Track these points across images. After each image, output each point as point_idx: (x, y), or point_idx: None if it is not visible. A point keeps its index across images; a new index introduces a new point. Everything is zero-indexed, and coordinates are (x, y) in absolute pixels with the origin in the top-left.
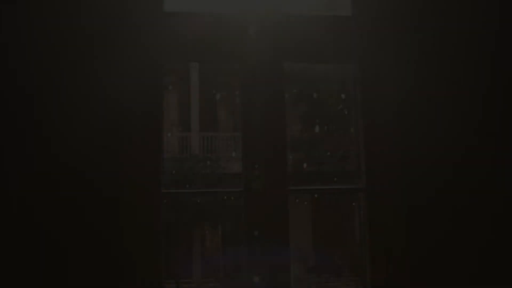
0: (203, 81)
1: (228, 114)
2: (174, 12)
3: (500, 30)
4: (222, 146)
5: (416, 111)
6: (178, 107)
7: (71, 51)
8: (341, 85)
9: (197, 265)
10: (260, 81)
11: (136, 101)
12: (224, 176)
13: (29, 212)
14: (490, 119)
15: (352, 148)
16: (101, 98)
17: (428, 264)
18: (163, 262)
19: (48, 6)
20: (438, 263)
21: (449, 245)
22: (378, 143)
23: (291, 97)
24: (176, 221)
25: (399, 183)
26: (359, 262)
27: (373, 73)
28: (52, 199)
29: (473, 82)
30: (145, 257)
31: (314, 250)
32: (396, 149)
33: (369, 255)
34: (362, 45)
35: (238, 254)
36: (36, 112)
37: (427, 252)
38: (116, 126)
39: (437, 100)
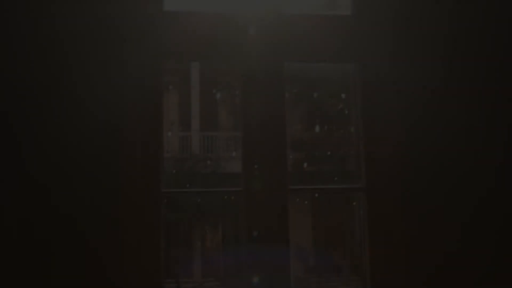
0: (204, 81)
1: (228, 113)
2: (174, 11)
3: (501, 30)
4: (223, 145)
5: (416, 110)
6: (179, 107)
7: (70, 51)
8: (342, 84)
9: (197, 264)
10: (260, 80)
11: (135, 101)
12: (225, 176)
13: (28, 212)
14: (493, 120)
15: (352, 147)
16: (101, 97)
17: (428, 263)
18: (163, 261)
19: (46, 5)
20: (437, 262)
21: (449, 245)
22: (378, 143)
23: (292, 97)
24: (177, 221)
25: (399, 183)
26: (359, 262)
27: (373, 72)
28: (52, 199)
29: (475, 82)
30: (145, 256)
31: (315, 249)
32: (396, 149)
33: (369, 255)
34: (363, 44)
35: (238, 253)
36: (35, 112)
37: (427, 251)
38: (116, 126)
39: (437, 99)
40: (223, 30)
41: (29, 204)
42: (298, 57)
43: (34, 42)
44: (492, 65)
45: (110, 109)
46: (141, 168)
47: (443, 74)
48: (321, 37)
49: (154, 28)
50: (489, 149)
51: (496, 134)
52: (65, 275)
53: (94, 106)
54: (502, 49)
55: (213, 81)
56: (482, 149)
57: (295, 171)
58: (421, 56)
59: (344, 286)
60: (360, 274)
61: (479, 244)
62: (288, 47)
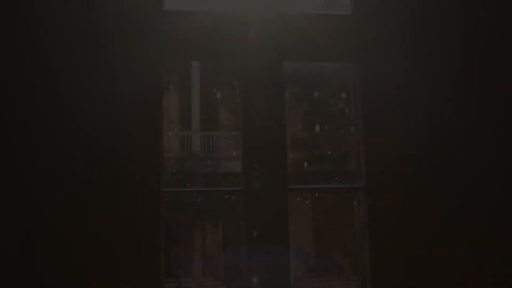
0: (204, 80)
1: (229, 113)
2: (174, 11)
3: (502, 30)
4: (223, 145)
5: (416, 110)
6: (179, 106)
7: (70, 51)
8: (342, 84)
9: (198, 264)
10: (261, 80)
11: (136, 100)
12: (225, 175)
13: (27, 211)
14: (491, 119)
15: (352, 147)
16: (101, 97)
17: (428, 263)
18: (163, 261)
19: (46, 6)
20: (437, 262)
21: (449, 245)
22: (378, 142)
23: (292, 96)
24: (177, 220)
25: (399, 182)
26: (359, 261)
27: (373, 72)
28: (52, 198)
29: (474, 82)
30: (145, 256)
31: (315, 249)
32: (396, 148)
33: (369, 254)
34: (362, 44)
35: (239, 253)
36: (35, 111)
37: (426, 251)
38: (116, 125)
39: (437, 99)
40: (223, 29)
41: (28, 204)
42: (297, 57)
43: (34, 43)
44: (493, 65)
45: (109, 108)
46: (141, 167)
47: (443, 73)
48: (321, 37)
49: (154, 27)
50: (489, 148)
51: (496, 133)
52: (65, 275)
53: (94, 105)
54: (503, 49)
55: (213, 80)
56: (482, 149)
57: (295, 171)
58: (421, 56)
59: (344, 286)
60: (360, 273)
61: (479, 243)
62: (288, 46)
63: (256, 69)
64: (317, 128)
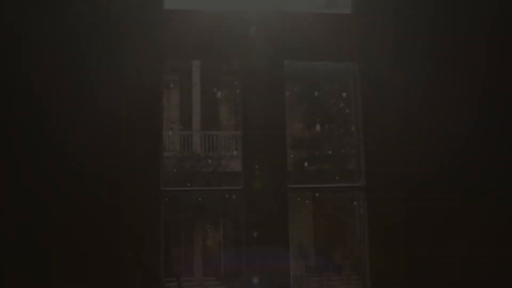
0: (205, 80)
1: (230, 112)
2: (174, 10)
3: (502, 29)
4: (224, 144)
5: (416, 109)
6: (180, 106)
7: (70, 49)
8: (342, 83)
9: (198, 263)
10: (261, 79)
11: (136, 99)
12: (226, 174)
13: (28, 212)
14: (491, 119)
15: (353, 146)
16: (101, 96)
17: (428, 263)
18: (163, 261)
19: (47, 5)
20: (438, 262)
21: (449, 245)
22: (378, 142)
23: (292, 96)
24: (178, 220)
25: (399, 182)
26: (359, 260)
27: (373, 71)
28: (52, 198)
29: (474, 82)
30: (145, 256)
31: (315, 248)
32: (396, 148)
33: (368, 254)
34: (362, 43)
35: (239, 253)
36: (35, 111)
37: (427, 251)
38: (116, 124)
39: (437, 98)
40: (223, 28)
41: (28, 204)
42: (297, 56)
43: (34, 42)
44: (493, 65)
45: (110, 107)
46: (141, 166)
47: (443, 73)
48: (321, 36)
49: (154, 26)
50: (490, 147)
51: (496, 133)
52: (65, 274)
53: (94, 105)
54: (503, 49)
55: (214, 79)
56: (483, 148)
57: (296, 170)
58: (421, 55)
59: (344, 285)
60: (360, 273)
61: (480, 244)
62: (288, 45)
63: (256, 68)
64: (318, 127)
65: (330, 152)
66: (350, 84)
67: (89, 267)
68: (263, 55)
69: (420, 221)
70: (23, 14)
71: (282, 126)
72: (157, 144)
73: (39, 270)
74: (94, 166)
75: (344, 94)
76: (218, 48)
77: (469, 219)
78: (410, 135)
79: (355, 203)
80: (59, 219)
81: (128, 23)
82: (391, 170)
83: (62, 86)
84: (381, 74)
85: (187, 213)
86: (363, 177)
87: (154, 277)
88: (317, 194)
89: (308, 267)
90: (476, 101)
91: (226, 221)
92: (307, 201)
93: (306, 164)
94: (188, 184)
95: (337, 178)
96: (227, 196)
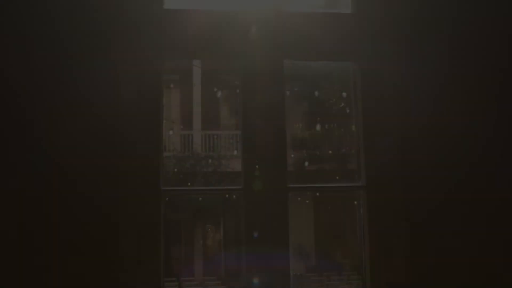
0: (205, 79)
1: (230, 112)
2: (174, 9)
3: (502, 29)
4: (224, 144)
5: (416, 109)
6: (180, 105)
7: (70, 49)
8: (343, 83)
9: (199, 263)
10: (261, 79)
11: (136, 99)
12: (226, 174)
13: (27, 211)
14: (492, 118)
15: (353, 146)
16: (101, 95)
17: (428, 262)
18: (163, 260)
19: (44, 2)
20: (438, 261)
21: (449, 244)
22: (378, 141)
23: (292, 95)
24: (178, 219)
25: (399, 181)
26: (360, 260)
27: (373, 71)
28: (52, 198)
29: (475, 81)
30: (145, 255)
31: (316, 248)
32: (396, 147)
33: (368, 253)
34: (362, 42)
35: (239, 252)
36: (35, 110)
37: (427, 250)
38: (116, 124)
39: (437, 98)
40: (223, 28)
41: (28, 203)
42: (297, 55)
43: (33, 40)
44: (493, 65)
45: (109, 107)
46: (141, 166)
47: (443, 73)
48: (321, 35)
49: (154, 25)
50: (491, 146)
51: (495, 132)
52: (65, 274)
53: (93, 104)
54: (503, 50)
55: (214, 79)
56: (482, 147)
57: (296, 170)
58: (421, 55)
59: (344, 285)
60: (360, 272)
61: (480, 243)
62: (288, 45)
63: (257, 67)
64: (318, 127)
65: (330, 151)
66: (350, 84)
67: (89, 267)
68: (263, 55)
69: (420, 221)
70: (19, 10)
71: (282, 126)
72: (157, 143)
73: (39, 271)
74: (94, 166)
75: (344, 94)
76: (218, 48)
77: (469, 218)
78: (410, 134)
79: (355, 203)
80: (59, 219)
81: (128, 22)
82: (391, 170)
83: (60, 85)
84: (381, 74)
85: (187, 213)
86: (363, 177)
87: (154, 277)
88: (317, 194)
89: (308, 267)
90: (477, 101)
91: (226, 221)
92: (307, 201)
93: (306, 164)
94: (189, 184)
95: (337, 178)
96: (227, 196)
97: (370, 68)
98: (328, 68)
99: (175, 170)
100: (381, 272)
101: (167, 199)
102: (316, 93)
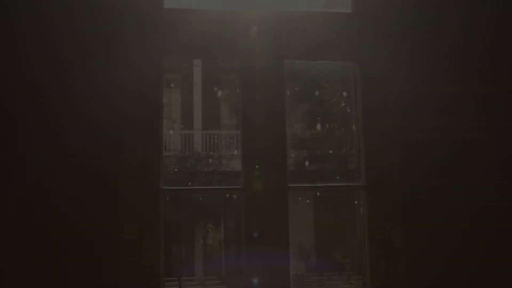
0: (206, 79)
1: (230, 112)
2: (174, 9)
3: (505, 29)
4: (225, 144)
5: (416, 108)
6: (181, 105)
7: (70, 48)
8: (343, 82)
9: (199, 263)
10: (261, 78)
11: (136, 98)
12: (227, 174)
13: (27, 211)
14: (492, 118)
15: (354, 146)
16: (101, 95)
17: (428, 262)
18: (163, 260)
19: (47, 2)
20: (438, 261)
21: (450, 244)
22: (378, 141)
23: (293, 95)
24: (178, 219)
25: (399, 181)
26: (359, 260)
27: (374, 70)
28: (51, 198)
29: (475, 80)
30: (144, 255)
31: (316, 248)
32: (396, 147)
33: (369, 253)
34: (362, 42)
35: (240, 252)
36: (35, 110)
37: (427, 250)
38: (116, 123)
39: (437, 98)
40: (223, 27)
41: (27, 203)
42: (297, 55)
43: (32, 39)
44: (493, 65)
45: (109, 106)
46: (141, 166)
47: (443, 72)
48: (321, 35)
49: (154, 25)
50: (489, 146)
51: (496, 132)
52: (65, 274)
53: (93, 103)
54: (505, 49)
55: (215, 79)
56: (482, 147)
57: (296, 170)
58: (421, 54)
59: (344, 285)
60: (360, 273)
61: (479, 242)
62: (288, 44)
63: (257, 67)
64: (318, 127)
65: (330, 151)
66: (350, 83)
67: (89, 267)
68: (263, 55)
69: (420, 221)
70: (18, 11)
71: (283, 125)
72: (158, 143)
73: (39, 270)
74: (93, 165)
75: (344, 94)
76: (218, 47)
77: (470, 218)
78: (410, 134)
79: (355, 202)
80: (57, 219)
81: (128, 22)
82: (391, 170)
83: (59, 85)
84: (381, 73)
85: (188, 212)
86: (363, 176)
87: (154, 276)
88: (317, 194)
89: (308, 267)
90: (477, 100)
91: (227, 220)
92: (307, 201)
93: (306, 163)
94: (189, 183)
95: (337, 177)
96: (227, 195)
97: (370, 68)
98: (328, 67)
99: (176, 169)
100: (381, 272)
101: (167, 198)
102: (317, 93)
